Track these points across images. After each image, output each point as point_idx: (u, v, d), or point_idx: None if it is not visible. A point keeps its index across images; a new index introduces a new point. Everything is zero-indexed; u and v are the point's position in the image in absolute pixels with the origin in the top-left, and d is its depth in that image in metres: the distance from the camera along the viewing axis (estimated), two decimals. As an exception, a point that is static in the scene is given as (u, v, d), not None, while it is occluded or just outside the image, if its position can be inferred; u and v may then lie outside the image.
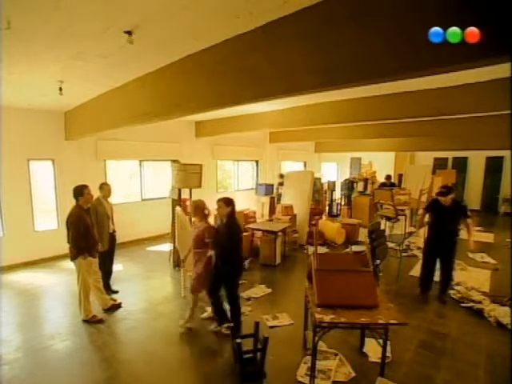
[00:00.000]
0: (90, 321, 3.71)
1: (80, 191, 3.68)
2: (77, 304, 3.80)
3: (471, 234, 4.35)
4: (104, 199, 4.35)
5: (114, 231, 4.45)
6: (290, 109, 5.87)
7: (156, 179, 7.92)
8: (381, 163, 12.86)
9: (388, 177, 9.42)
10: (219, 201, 3.37)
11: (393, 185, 9.03)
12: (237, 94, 2.66)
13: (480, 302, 4.09)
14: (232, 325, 3.23)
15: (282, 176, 9.25)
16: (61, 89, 3.86)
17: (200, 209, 3.58)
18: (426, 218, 4.62)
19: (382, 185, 9.18)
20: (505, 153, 10.86)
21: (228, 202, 3.34)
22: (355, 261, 2.90)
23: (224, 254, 3.28)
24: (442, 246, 4.31)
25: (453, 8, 1.46)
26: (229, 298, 3.39)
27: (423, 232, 6.99)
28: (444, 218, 4.28)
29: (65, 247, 3.78)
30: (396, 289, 4.70)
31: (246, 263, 5.68)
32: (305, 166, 12.48)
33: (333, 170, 14.52)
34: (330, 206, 10.35)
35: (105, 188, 4.40)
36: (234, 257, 3.31)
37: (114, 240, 4.53)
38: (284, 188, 8.06)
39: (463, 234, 4.60)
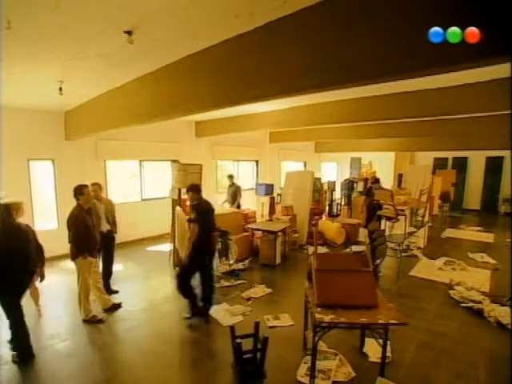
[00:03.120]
0: (90, 321, 3.70)
1: (81, 190, 3.69)
2: (77, 304, 3.80)
3: (187, 245, 3.18)
4: (96, 199, 4.28)
5: (108, 231, 4.41)
6: (290, 109, 5.87)
7: (156, 179, 7.92)
8: (381, 163, 12.86)
9: (375, 181, 7.91)
10: None
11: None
12: (237, 93, 2.66)
13: (480, 302, 4.08)
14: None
15: (231, 177, 7.73)
16: (61, 89, 3.86)
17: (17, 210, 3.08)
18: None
19: (369, 189, 7.74)
20: (505, 153, 10.87)
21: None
22: (355, 261, 2.90)
23: None
24: None
25: (453, 8, 1.46)
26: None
27: (423, 232, 7.02)
28: None
29: (65, 247, 3.78)
30: (396, 289, 4.70)
31: (246, 263, 5.70)
32: (305, 165, 12.48)
33: (333, 170, 14.52)
34: (330, 205, 10.36)
35: (92, 188, 4.31)
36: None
37: (112, 240, 4.51)
38: (284, 188, 8.05)
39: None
